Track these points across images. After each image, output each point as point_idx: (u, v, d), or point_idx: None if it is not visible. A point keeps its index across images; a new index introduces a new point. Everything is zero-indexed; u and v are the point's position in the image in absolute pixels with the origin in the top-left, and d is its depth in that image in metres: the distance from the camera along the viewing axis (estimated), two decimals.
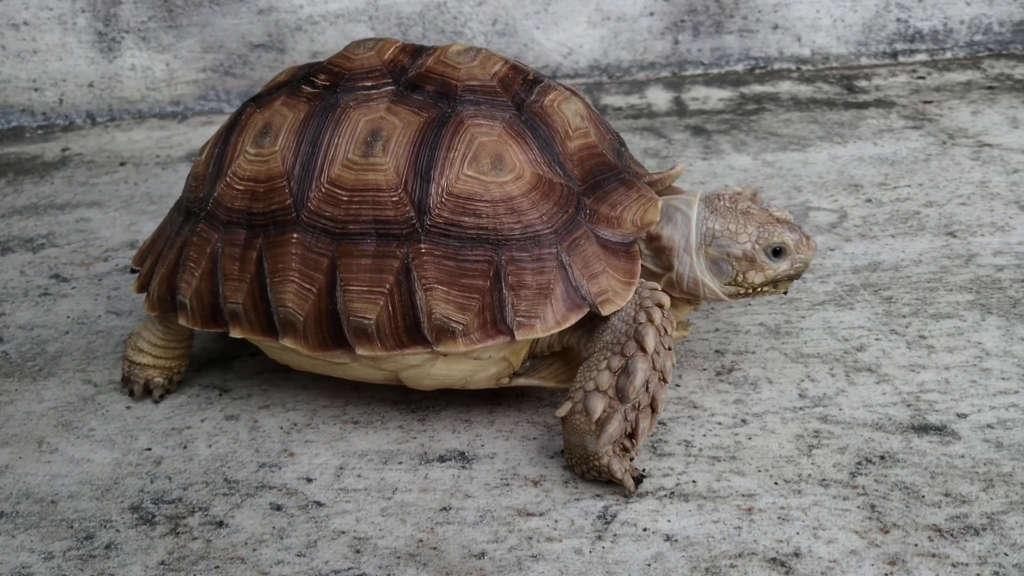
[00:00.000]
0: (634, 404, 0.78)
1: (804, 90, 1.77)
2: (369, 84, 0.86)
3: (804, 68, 1.88)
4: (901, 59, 1.89)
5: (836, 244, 1.18)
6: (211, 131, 1.77)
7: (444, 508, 0.79)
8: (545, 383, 0.87)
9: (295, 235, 0.84)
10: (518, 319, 0.79)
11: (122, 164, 1.65)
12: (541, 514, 0.78)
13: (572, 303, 0.80)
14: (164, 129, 1.81)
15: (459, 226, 0.80)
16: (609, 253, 0.82)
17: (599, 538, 0.75)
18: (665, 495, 0.79)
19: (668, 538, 0.74)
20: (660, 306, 0.80)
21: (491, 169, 0.81)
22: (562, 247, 0.81)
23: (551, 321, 0.79)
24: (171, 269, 0.91)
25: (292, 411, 0.93)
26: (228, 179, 0.88)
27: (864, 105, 1.67)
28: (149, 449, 0.89)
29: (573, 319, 0.80)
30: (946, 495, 0.77)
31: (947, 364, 0.93)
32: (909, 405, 0.88)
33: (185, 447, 0.89)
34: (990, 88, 1.72)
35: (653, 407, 0.78)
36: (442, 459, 0.85)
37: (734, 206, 0.87)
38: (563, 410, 0.79)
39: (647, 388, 0.78)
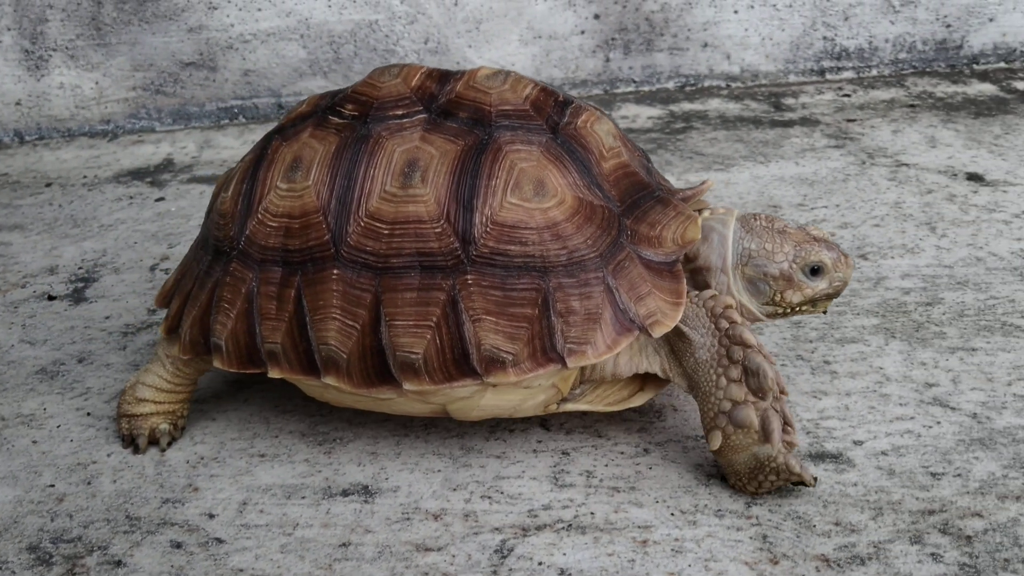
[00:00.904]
0: (771, 396, 0.79)
1: (732, 108, 1.79)
2: (400, 112, 0.85)
3: (734, 85, 1.90)
4: (828, 76, 1.92)
5: None
6: (142, 150, 1.76)
7: (344, 544, 0.79)
8: (593, 407, 0.87)
9: (335, 271, 0.82)
10: (568, 346, 0.79)
11: (48, 185, 1.63)
12: (439, 549, 0.78)
13: (622, 327, 0.80)
14: (93, 148, 1.79)
15: (505, 255, 0.80)
16: (653, 274, 0.82)
17: (494, 573, 0.75)
18: (563, 527, 0.79)
19: (562, 572, 0.75)
20: (730, 307, 0.82)
21: (534, 195, 0.81)
22: (608, 270, 0.81)
23: (602, 346, 0.79)
24: (203, 311, 0.88)
25: (200, 444, 0.93)
26: (260, 216, 0.86)
27: (789, 123, 1.70)
28: (52, 486, 0.88)
29: (624, 343, 0.80)
30: (836, 524, 0.78)
31: (848, 390, 0.95)
32: (808, 432, 0.89)
33: (89, 483, 0.88)
34: (912, 106, 1.75)
35: (781, 390, 0.80)
36: (345, 493, 0.85)
37: (771, 225, 0.88)
38: (715, 442, 0.80)
39: None
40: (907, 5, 1.87)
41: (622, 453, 0.88)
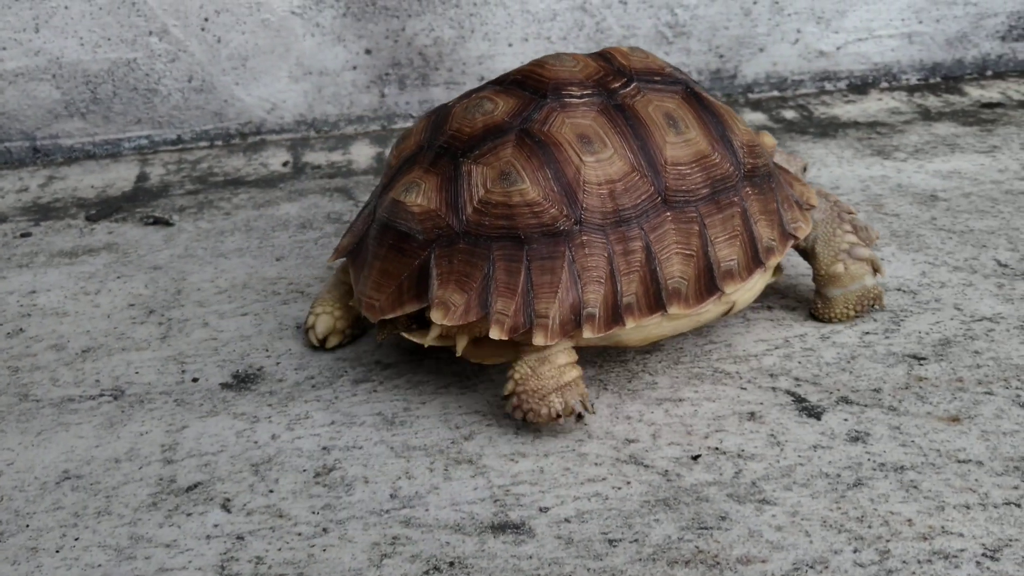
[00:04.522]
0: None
1: None
2: (617, 84, 1.01)
3: None
4: None
5: None
6: None
7: None
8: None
9: (668, 214, 0.96)
10: (793, 226, 1.05)
11: None
12: None
13: (799, 207, 1.07)
14: None
15: (756, 167, 1.03)
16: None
17: None
18: None
19: None
20: (829, 192, 1.14)
21: (738, 122, 1.05)
22: (775, 170, 1.09)
23: (809, 224, 1.07)
24: (566, 290, 0.92)
25: None
26: (587, 189, 0.95)
27: None
28: None
29: (811, 219, 1.09)
30: None
31: (548, 451, 0.93)
32: (496, 500, 0.87)
33: None
34: None
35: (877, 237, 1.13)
36: None
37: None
38: (839, 269, 1.09)
39: None
40: (680, 36, 1.90)
41: (299, 534, 0.84)
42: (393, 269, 0.97)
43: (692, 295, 0.97)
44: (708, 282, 0.98)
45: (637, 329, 0.97)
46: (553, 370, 0.94)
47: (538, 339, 0.91)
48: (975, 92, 1.94)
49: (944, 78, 2.02)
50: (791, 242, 1.04)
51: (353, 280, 1.03)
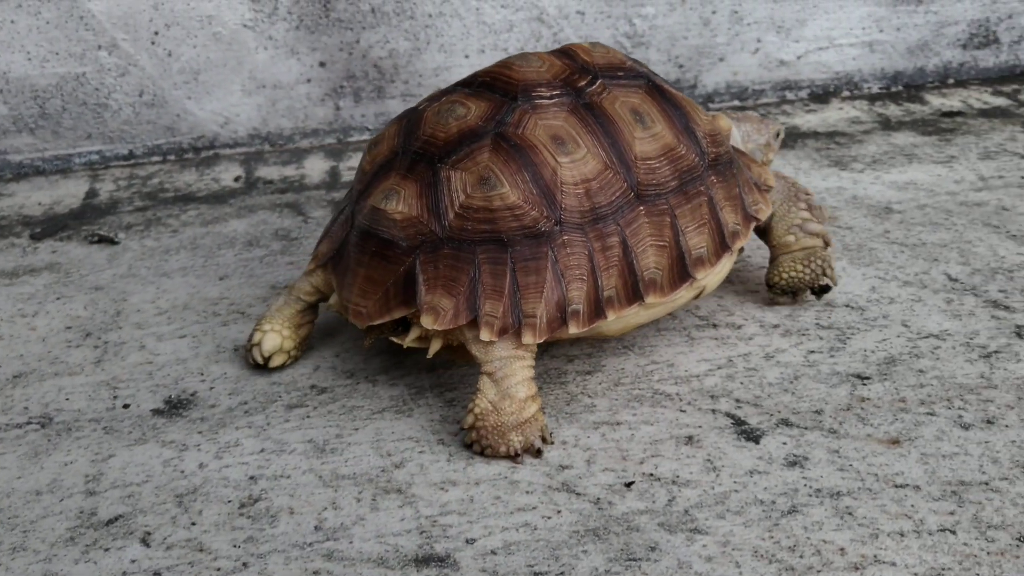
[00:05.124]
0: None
1: None
2: (583, 83, 1.02)
3: None
4: None
5: None
6: None
7: None
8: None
9: (641, 208, 0.99)
10: (754, 208, 1.09)
11: None
12: None
13: (759, 189, 1.11)
14: None
15: (719, 156, 1.06)
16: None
17: None
18: None
19: None
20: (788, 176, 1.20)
21: (703, 114, 1.07)
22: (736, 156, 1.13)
23: (769, 205, 1.11)
24: (551, 288, 0.94)
25: None
26: (565, 189, 0.96)
27: None
28: None
29: (770, 198, 1.14)
30: None
31: (479, 478, 0.91)
32: (423, 532, 0.85)
33: None
34: None
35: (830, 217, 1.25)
36: None
37: (742, 115, 1.24)
38: (790, 240, 1.13)
39: None
40: (639, 46, 1.88)
41: (219, 570, 0.81)
42: (378, 276, 0.97)
43: (667, 284, 1.00)
44: (681, 270, 1.01)
45: (617, 320, 0.99)
46: (514, 405, 0.93)
47: (527, 338, 0.93)
48: (936, 101, 1.93)
49: (906, 86, 2.02)
50: (754, 224, 1.09)
51: (336, 287, 1.03)
